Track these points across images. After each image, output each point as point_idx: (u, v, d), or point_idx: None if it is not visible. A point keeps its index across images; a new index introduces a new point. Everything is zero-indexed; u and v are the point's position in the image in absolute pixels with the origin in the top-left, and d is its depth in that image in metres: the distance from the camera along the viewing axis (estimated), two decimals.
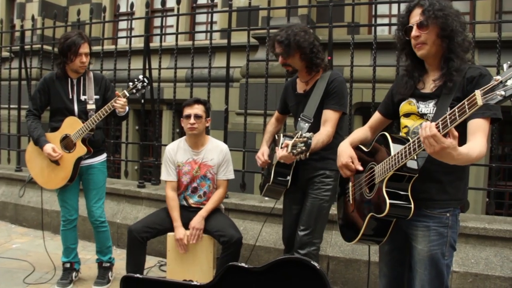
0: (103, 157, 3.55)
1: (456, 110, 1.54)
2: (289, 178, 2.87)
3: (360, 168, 2.10)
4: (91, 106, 3.33)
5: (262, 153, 3.02)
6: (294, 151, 2.35)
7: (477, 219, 3.48)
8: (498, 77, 1.42)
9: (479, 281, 3.19)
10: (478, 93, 1.46)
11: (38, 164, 3.43)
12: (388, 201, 1.82)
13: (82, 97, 3.37)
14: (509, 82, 1.40)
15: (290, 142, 2.41)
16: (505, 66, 1.45)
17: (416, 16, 1.92)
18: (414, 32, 1.91)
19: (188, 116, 3.26)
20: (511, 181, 5.58)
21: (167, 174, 3.41)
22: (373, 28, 3.91)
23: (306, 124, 2.83)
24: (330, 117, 2.81)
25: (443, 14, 1.85)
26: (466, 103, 1.50)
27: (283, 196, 3.10)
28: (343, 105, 2.86)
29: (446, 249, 1.93)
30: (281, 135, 2.88)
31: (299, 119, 2.88)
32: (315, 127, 2.82)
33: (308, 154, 2.39)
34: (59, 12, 5.92)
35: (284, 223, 3.14)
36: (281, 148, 2.59)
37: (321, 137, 2.75)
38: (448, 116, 1.56)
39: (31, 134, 3.39)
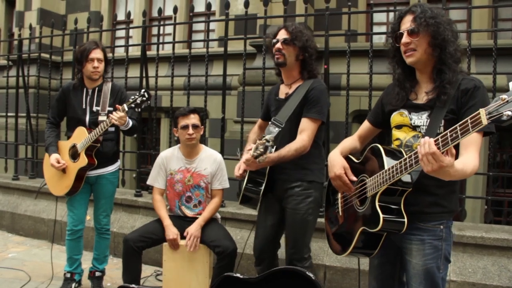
0: (113, 167, 3.57)
1: (458, 128, 1.49)
2: (263, 185, 2.74)
3: (354, 178, 2.05)
4: (102, 117, 3.35)
5: (239, 167, 2.84)
6: (255, 153, 2.25)
7: (475, 228, 3.46)
8: (504, 96, 1.36)
9: None
10: (482, 112, 1.41)
11: (50, 171, 3.52)
12: (381, 215, 1.79)
13: (95, 108, 3.41)
14: None
15: (253, 146, 2.33)
16: (510, 84, 1.40)
17: (407, 23, 1.89)
18: (404, 39, 1.89)
19: (186, 127, 3.24)
20: (510, 189, 5.56)
21: (154, 179, 3.43)
22: (370, 36, 3.90)
23: (276, 129, 2.69)
24: (307, 126, 2.69)
25: (435, 22, 1.83)
26: (469, 121, 1.45)
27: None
28: (322, 114, 2.73)
29: (441, 262, 1.91)
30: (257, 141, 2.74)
31: (269, 123, 2.77)
32: (286, 133, 2.71)
33: (265, 157, 2.28)
34: (57, 20, 5.95)
35: (256, 233, 3.01)
36: (247, 152, 2.51)
37: (295, 145, 2.64)
38: (449, 134, 1.52)
39: (45, 142, 3.51)
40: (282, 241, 3.02)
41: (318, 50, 2.86)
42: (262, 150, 2.25)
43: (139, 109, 3.28)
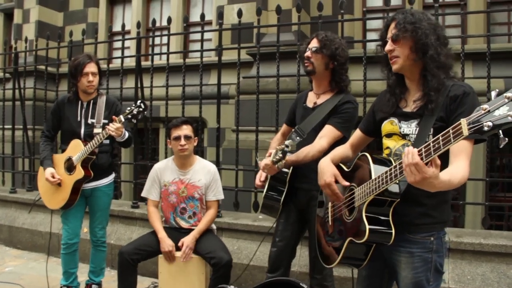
0: (108, 180, 3.56)
1: (441, 138, 1.45)
2: (283, 193, 2.72)
3: (346, 183, 2.00)
4: (97, 130, 3.35)
5: (259, 177, 2.84)
6: (274, 159, 2.24)
7: (473, 234, 3.43)
8: (486, 106, 1.33)
9: None
10: (464, 122, 1.37)
11: (44, 184, 3.50)
12: (367, 226, 1.75)
13: (90, 121, 3.42)
14: (496, 112, 1.31)
15: (273, 151, 2.31)
16: (493, 94, 1.36)
17: (392, 30, 1.88)
18: (388, 46, 1.88)
19: (178, 138, 3.23)
20: (511, 193, 5.52)
21: (148, 191, 3.42)
22: (366, 43, 3.90)
23: (298, 138, 2.67)
24: (328, 133, 2.63)
25: (414, 27, 1.81)
26: (451, 131, 1.42)
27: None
28: (347, 128, 2.68)
29: (431, 274, 1.85)
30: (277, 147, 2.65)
31: (292, 130, 2.75)
32: (307, 144, 2.64)
33: (284, 162, 2.26)
34: (55, 32, 5.96)
35: (273, 241, 2.93)
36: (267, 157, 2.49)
37: (312, 149, 2.57)
38: (432, 144, 1.48)
39: (40, 155, 3.51)
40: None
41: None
42: (281, 155, 2.24)
43: (136, 120, 3.27)
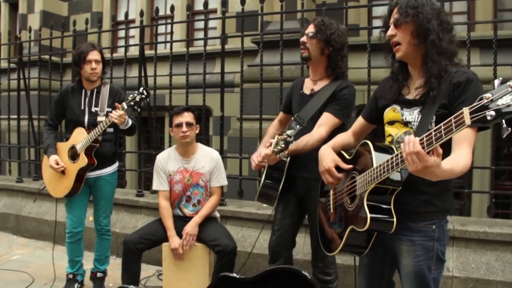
0: (112, 168, 3.57)
1: (442, 127, 1.43)
2: (281, 182, 2.70)
3: (348, 167, 1.98)
4: (101, 118, 3.34)
5: (257, 155, 2.70)
6: (275, 149, 2.19)
7: (478, 223, 3.41)
8: (489, 95, 1.30)
9: (480, 286, 3.12)
10: (466, 111, 1.34)
11: (49, 173, 3.52)
12: (369, 215, 1.73)
13: (94, 109, 3.42)
14: (500, 101, 1.28)
15: (273, 141, 2.26)
16: (496, 82, 1.33)
17: (394, 15, 1.85)
18: (389, 31, 1.85)
19: (180, 125, 3.23)
20: None
21: (158, 183, 3.40)
22: (373, 30, 3.85)
23: (298, 126, 2.62)
24: (327, 121, 2.60)
25: (415, 12, 1.77)
26: (453, 120, 1.39)
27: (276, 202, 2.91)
28: (345, 115, 2.65)
29: (433, 263, 1.84)
30: (276, 136, 2.61)
31: (292, 119, 2.71)
32: (307, 132, 2.61)
33: (286, 153, 2.23)
34: (59, 22, 5.94)
35: (272, 231, 2.93)
36: (267, 147, 2.43)
37: (312, 138, 2.54)
38: (433, 133, 1.46)
39: (44, 144, 3.53)
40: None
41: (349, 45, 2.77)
42: (283, 145, 2.19)
43: (139, 108, 3.26)
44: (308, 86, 2.80)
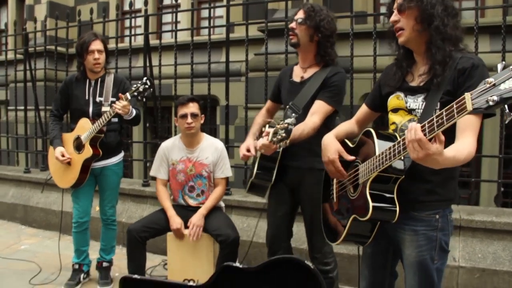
0: (117, 158, 3.57)
1: (444, 113, 1.39)
2: (274, 172, 2.66)
3: (351, 158, 1.95)
4: (105, 108, 3.33)
5: (245, 147, 2.67)
6: (275, 139, 2.10)
7: (485, 212, 3.36)
8: (491, 79, 1.25)
9: (487, 276, 3.09)
10: (468, 96, 1.30)
11: (55, 163, 3.54)
12: (371, 204, 1.71)
13: (98, 99, 3.41)
14: (502, 86, 1.24)
15: (271, 130, 2.17)
16: (499, 66, 1.29)
17: (398, 0, 1.80)
18: (393, 17, 1.81)
19: (185, 116, 3.22)
20: None
21: (157, 170, 3.42)
22: (379, 17, 3.80)
23: (293, 114, 2.57)
24: (320, 109, 2.56)
25: None
26: (455, 106, 1.35)
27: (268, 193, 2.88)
28: (337, 102, 2.62)
29: (436, 253, 1.81)
30: (267, 125, 2.57)
31: (287, 107, 2.66)
32: (301, 121, 2.55)
33: (288, 142, 2.14)
34: (66, 12, 5.93)
35: (268, 224, 2.91)
36: (262, 137, 2.35)
37: (306, 127, 2.49)
38: (435, 120, 1.42)
39: (50, 135, 3.55)
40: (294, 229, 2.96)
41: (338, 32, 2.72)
42: (284, 135, 2.08)
43: (143, 98, 3.24)
44: (298, 74, 2.76)
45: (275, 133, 2.10)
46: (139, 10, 7.39)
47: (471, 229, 3.22)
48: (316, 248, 2.76)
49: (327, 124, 2.60)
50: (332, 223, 2.11)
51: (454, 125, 1.61)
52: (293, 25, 2.63)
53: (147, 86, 3.17)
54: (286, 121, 2.11)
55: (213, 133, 6.88)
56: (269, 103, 3.01)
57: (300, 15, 2.64)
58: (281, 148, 2.32)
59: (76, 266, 3.58)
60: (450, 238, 1.88)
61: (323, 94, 2.59)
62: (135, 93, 3.17)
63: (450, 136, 1.60)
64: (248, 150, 2.64)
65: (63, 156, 3.37)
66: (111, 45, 4.65)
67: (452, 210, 1.90)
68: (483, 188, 5.27)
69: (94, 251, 3.75)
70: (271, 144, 2.16)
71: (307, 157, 2.65)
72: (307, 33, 2.61)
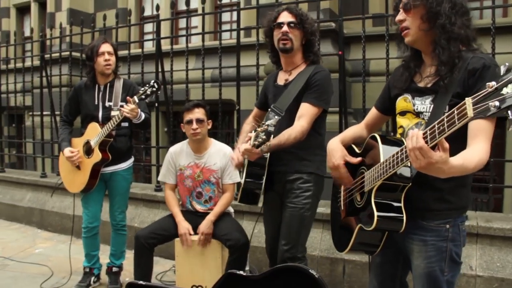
0: (127, 164, 3.57)
1: (445, 119, 1.30)
2: (263, 178, 2.57)
3: (355, 160, 1.87)
4: (115, 112, 3.32)
5: (237, 152, 2.55)
6: (256, 142, 2.04)
7: (504, 219, 3.23)
8: (492, 83, 1.17)
9: (506, 286, 2.95)
10: (468, 102, 1.22)
11: (65, 168, 3.57)
12: (376, 213, 1.62)
13: (107, 104, 3.42)
14: (504, 90, 1.15)
15: (252, 134, 2.13)
16: (502, 68, 1.20)
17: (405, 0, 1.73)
18: (398, 16, 1.73)
19: (190, 122, 3.19)
20: None
21: (164, 175, 3.41)
22: (386, 18, 3.70)
23: (276, 117, 2.46)
24: (306, 112, 2.48)
25: None
26: (455, 112, 1.27)
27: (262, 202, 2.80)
28: (324, 101, 2.53)
29: (446, 264, 1.70)
30: (253, 131, 2.36)
31: (269, 110, 2.58)
32: (284, 122, 2.49)
33: (270, 144, 2.10)
34: (85, 19, 6.01)
35: (265, 233, 2.86)
36: (245, 142, 2.31)
37: (294, 131, 2.42)
38: (436, 126, 1.34)
39: (58, 139, 3.57)
40: None
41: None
42: (264, 137, 2.05)
43: (151, 98, 3.22)
44: (282, 77, 2.70)
45: (256, 137, 2.04)
46: (155, 16, 7.44)
47: (489, 237, 3.09)
48: (280, 260, 2.63)
49: (316, 126, 2.55)
50: (340, 231, 2.04)
51: (465, 130, 1.53)
52: (286, 29, 2.53)
53: (154, 89, 3.16)
54: (267, 123, 2.04)
55: (231, 137, 6.85)
56: (255, 110, 2.95)
57: (290, 18, 2.56)
58: (268, 154, 2.24)
59: (87, 270, 3.60)
60: (462, 250, 1.77)
61: (308, 96, 2.52)
62: (143, 96, 3.16)
63: (460, 142, 1.52)
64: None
65: (72, 152, 3.37)
66: (123, 51, 4.67)
67: (464, 219, 1.79)
68: (506, 194, 5.08)
69: (105, 256, 3.75)
70: (253, 148, 2.10)
71: (292, 161, 2.58)
72: (300, 37, 2.57)
